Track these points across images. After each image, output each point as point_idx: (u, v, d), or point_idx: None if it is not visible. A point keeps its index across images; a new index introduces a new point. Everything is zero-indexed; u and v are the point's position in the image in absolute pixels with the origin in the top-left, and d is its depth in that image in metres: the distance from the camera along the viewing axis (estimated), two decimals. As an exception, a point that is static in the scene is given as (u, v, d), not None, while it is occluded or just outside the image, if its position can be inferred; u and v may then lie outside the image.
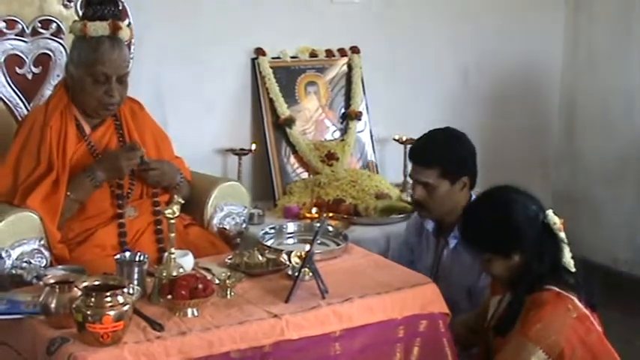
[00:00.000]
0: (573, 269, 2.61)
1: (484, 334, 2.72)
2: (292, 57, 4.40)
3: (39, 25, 3.55)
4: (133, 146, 3.15)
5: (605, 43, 4.89)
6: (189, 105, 4.12)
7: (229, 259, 2.88)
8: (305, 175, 4.29)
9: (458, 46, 4.85)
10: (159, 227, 3.15)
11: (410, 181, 3.22)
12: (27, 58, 3.53)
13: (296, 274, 2.63)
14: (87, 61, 3.12)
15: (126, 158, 3.10)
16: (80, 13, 3.48)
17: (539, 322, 2.45)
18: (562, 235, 2.61)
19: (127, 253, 2.67)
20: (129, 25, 3.60)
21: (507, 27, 4.95)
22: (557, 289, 2.51)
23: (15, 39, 3.50)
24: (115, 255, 2.67)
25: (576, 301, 2.50)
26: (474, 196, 3.14)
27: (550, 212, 2.61)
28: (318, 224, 3.00)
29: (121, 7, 3.43)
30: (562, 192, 5.00)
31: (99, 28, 3.13)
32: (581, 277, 2.61)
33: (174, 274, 2.55)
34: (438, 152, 3.14)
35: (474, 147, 3.21)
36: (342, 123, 4.48)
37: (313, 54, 4.45)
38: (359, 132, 4.48)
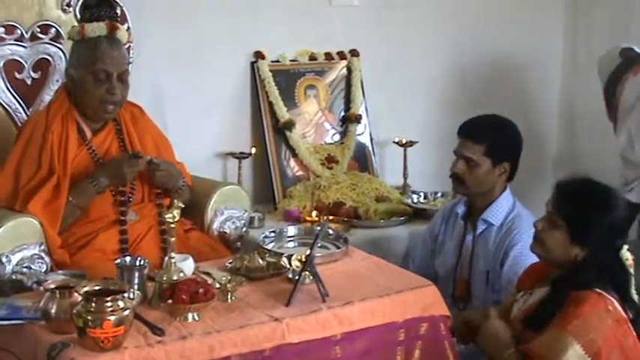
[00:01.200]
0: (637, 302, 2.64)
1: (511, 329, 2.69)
2: (292, 60, 4.40)
3: (38, 30, 3.55)
4: (136, 154, 3.16)
5: (604, 45, 4.87)
6: (189, 109, 4.12)
7: (230, 263, 2.88)
8: (305, 178, 4.29)
9: (457, 49, 4.85)
10: (162, 228, 3.14)
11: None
12: (26, 63, 3.54)
13: (296, 277, 2.63)
14: (87, 60, 3.13)
15: (129, 165, 3.11)
16: (78, 18, 3.48)
17: (578, 318, 2.43)
18: (631, 270, 2.64)
19: (128, 258, 2.67)
20: (128, 29, 3.60)
21: (506, 29, 4.95)
22: (598, 290, 2.50)
23: (14, 44, 3.50)
24: (116, 259, 2.67)
25: (616, 303, 2.49)
26: (508, 189, 3.23)
27: (625, 247, 2.63)
28: (319, 227, 3.01)
29: (119, 11, 3.45)
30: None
31: (96, 28, 3.15)
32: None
33: (175, 278, 2.54)
34: (489, 130, 3.24)
35: (522, 139, 3.29)
36: (341, 126, 4.48)
37: (312, 57, 4.45)
38: (359, 135, 4.48)
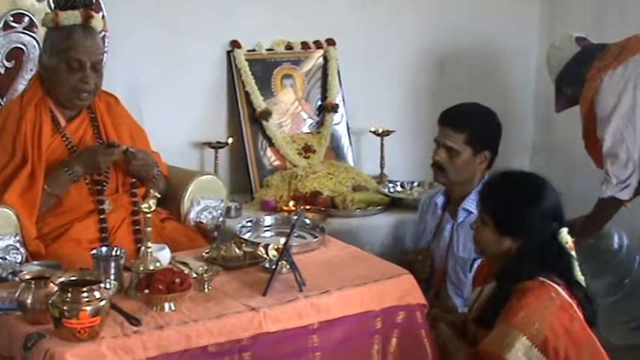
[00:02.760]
0: (584, 284, 2.64)
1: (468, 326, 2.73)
2: (268, 49, 4.38)
3: (11, 19, 3.53)
4: (112, 143, 3.15)
5: (579, 33, 4.90)
6: (165, 99, 4.10)
7: (206, 252, 2.88)
8: (282, 168, 4.28)
9: (434, 38, 4.85)
10: (136, 218, 3.13)
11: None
12: (-1, 52, 3.51)
13: (273, 267, 2.63)
14: (60, 48, 3.11)
15: (104, 154, 3.10)
16: (52, 6, 3.45)
17: (523, 309, 2.46)
18: (572, 253, 2.64)
19: (104, 248, 2.66)
20: (103, 17, 3.58)
21: (483, 18, 4.95)
22: (541, 278, 2.52)
23: (-13, 33, 3.47)
24: (92, 249, 2.66)
25: (560, 289, 2.51)
26: (486, 178, 3.22)
27: (564, 230, 2.63)
28: (295, 217, 3.01)
29: (94, 0, 3.42)
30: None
31: (71, 16, 3.13)
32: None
33: (151, 268, 2.54)
34: (470, 118, 3.27)
35: (502, 128, 3.33)
36: (318, 115, 4.47)
37: (289, 46, 4.43)
38: (335, 124, 4.47)
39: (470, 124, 3.23)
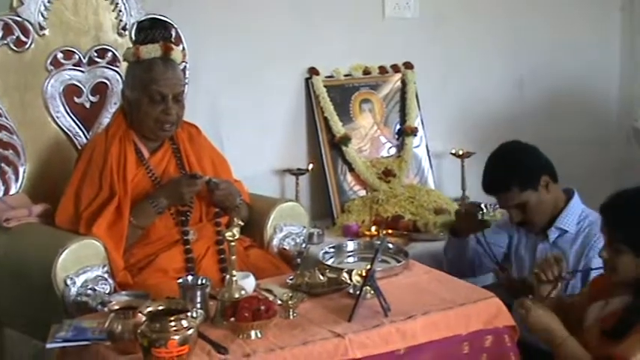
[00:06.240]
0: None
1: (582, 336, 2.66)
2: (346, 75, 4.40)
3: (95, 54, 3.60)
4: (194, 175, 3.19)
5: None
6: (245, 127, 4.15)
7: (290, 279, 2.88)
8: (362, 192, 4.28)
9: (512, 58, 4.81)
10: (220, 247, 3.15)
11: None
12: (84, 87, 3.58)
13: (357, 292, 2.62)
14: (142, 82, 3.16)
15: (187, 186, 3.14)
16: (133, 39, 3.52)
17: None
18: None
19: (190, 277, 2.68)
20: (183, 49, 3.64)
21: (562, 37, 4.90)
22: None
23: (72, 69, 3.54)
24: (178, 279, 2.68)
25: None
26: (576, 196, 3.19)
27: None
28: (378, 242, 2.99)
29: (174, 33, 3.48)
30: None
31: (151, 50, 3.18)
32: None
33: (237, 296, 2.55)
34: (506, 174, 3.18)
35: (532, 146, 3.24)
36: (397, 139, 4.47)
37: (366, 71, 4.45)
38: (415, 147, 4.46)
39: (511, 178, 3.15)
